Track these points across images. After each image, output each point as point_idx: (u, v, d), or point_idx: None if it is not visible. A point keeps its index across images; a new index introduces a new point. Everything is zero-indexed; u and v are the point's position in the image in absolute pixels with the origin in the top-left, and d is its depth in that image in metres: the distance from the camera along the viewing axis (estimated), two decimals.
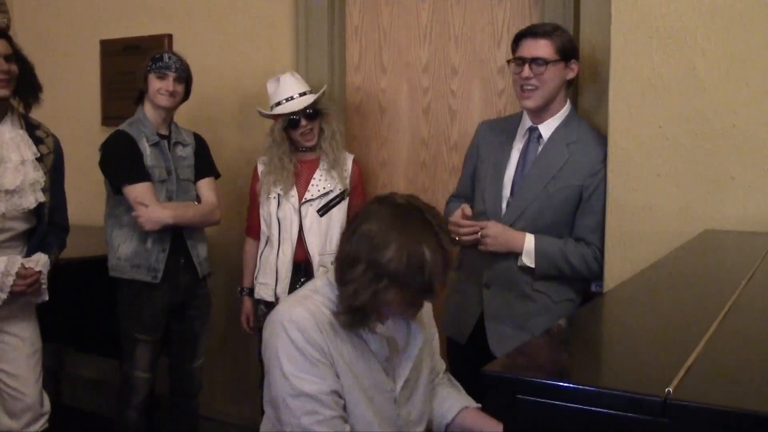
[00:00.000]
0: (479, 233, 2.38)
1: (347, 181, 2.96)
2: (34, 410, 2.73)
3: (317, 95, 2.91)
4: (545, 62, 2.36)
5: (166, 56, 2.92)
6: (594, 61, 2.66)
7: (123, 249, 2.90)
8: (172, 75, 2.89)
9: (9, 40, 2.61)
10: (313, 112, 2.89)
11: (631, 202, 2.22)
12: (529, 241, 2.39)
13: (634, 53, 2.20)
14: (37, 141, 2.69)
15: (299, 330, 1.70)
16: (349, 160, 3.00)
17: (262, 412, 2.90)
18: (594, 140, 2.44)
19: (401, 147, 3.29)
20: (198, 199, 3.02)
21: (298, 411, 1.68)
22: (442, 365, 2.11)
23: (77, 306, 3.25)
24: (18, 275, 2.55)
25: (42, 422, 2.76)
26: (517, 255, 2.41)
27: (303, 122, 2.88)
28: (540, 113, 2.46)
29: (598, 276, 2.38)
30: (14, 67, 2.58)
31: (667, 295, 1.39)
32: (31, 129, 2.71)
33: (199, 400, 3.22)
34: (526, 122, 2.51)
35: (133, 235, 2.89)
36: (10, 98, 2.64)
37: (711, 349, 0.95)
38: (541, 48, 2.38)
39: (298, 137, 2.90)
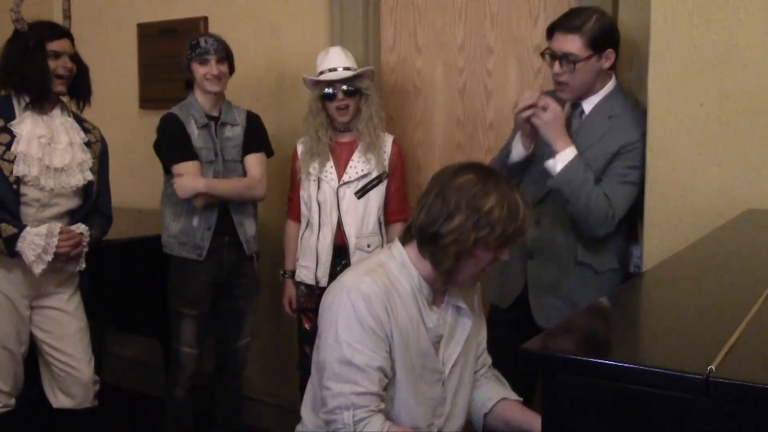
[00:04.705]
0: (539, 104, 2.29)
1: (386, 163, 2.94)
2: (88, 387, 2.80)
3: (358, 71, 2.89)
4: (575, 60, 2.32)
5: (202, 41, 2.94)
6: (633, 38, 2.62)
7: (173, 227, 2.99)
8: (213, 58, 2.91)
9: (72, 40, 2.73)
10: (351, 89, 2.88)
11: (672, 182, 2.19)
12: (570, 151, 2.30)
13: (675, 30, 2.15)
14: (85, 131, 2.81)
15: (364, 299, 1.74)
16: (389, 141, 2.98)
17: (302, 395, 2.92)
18: (637, 115, 2.36)
19: (436, 128, 3.28)
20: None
21: (342, 378, 1.72)
22: (488, 359, 2.11)
23: (118, 286, 3.31)
24: (61, 234, 2.60)
25: (93, 396, 2.83)
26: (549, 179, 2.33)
27: (339, 96, 2.87)
28: (581, 94, 2.43)
29: (598, 233, 2.32)
30: (74, 67, 2.71)
31: (708, 275, 1.38)
32: (79, 121, 2.83)
33: (241, 381, 3.27)
34: None
35: (181, 214, 2.97)
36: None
37: (754, 328, 0.94)
38: (571, 43, 2.33)
39: (333, 111, 2.90)
